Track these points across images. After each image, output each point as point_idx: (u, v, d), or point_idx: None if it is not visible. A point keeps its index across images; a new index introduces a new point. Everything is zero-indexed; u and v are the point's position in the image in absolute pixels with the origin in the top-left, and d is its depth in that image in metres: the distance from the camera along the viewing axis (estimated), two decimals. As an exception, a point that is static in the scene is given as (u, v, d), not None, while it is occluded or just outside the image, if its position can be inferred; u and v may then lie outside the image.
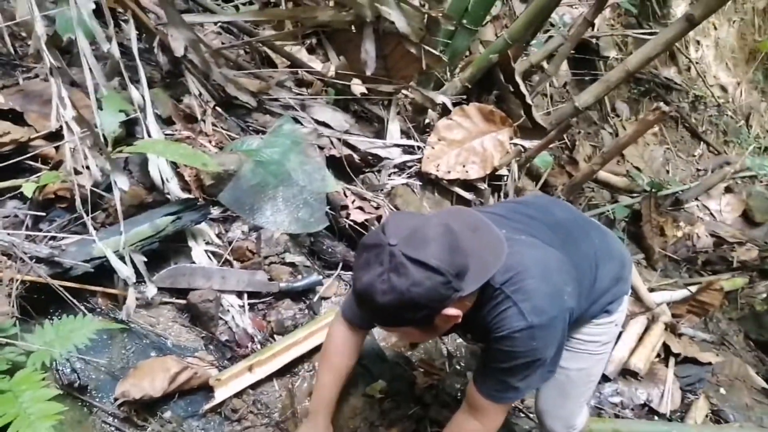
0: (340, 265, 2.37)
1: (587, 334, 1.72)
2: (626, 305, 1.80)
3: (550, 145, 3.80)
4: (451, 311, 1.30)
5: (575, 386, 1.84)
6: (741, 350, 3.65)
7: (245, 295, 2.08)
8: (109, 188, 1.92)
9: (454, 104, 2.97)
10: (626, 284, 1.76)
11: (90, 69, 2.03)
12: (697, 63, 5.29)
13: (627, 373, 2.91)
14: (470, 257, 1.31)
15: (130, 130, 2.19)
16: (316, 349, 2.02)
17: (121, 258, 1.77)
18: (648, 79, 4.95)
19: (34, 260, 1.64)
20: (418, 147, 2.88)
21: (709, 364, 3.09)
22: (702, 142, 5.18)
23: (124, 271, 1.74)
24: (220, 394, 1.82)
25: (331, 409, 1.76)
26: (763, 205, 4.58)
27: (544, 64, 3.62)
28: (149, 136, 2.14)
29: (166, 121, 2.39)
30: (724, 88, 5.53)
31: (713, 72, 5.45)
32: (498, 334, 1.40)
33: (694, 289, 3.48)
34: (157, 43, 2.48)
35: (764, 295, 3.87)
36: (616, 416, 2.75)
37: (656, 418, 2.78)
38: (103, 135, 1.95)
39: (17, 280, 1.57)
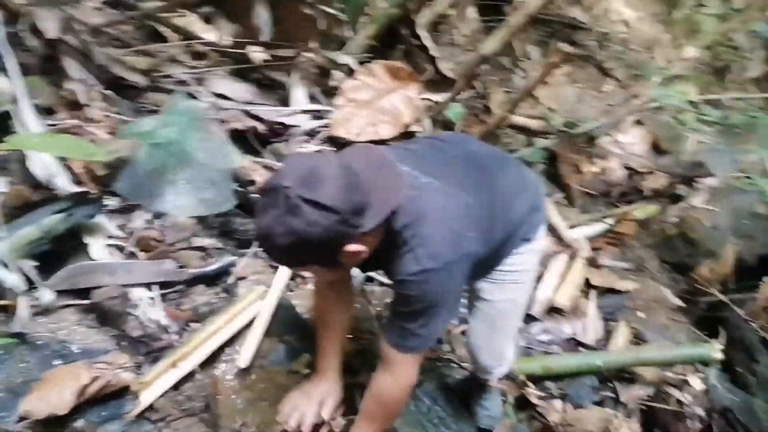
0: (255, 242, 2.31)
1: (509, 265, 1.76)
2: (544, 233, 1.85)
3: (463, 96, 3.80)
4: (353, 247, 1.32)
5: (504, 317, 1.89)
6: (657, 274, 3.83)
7: (155, 287, 2.00)
8: (-15, 191, 1.78)
9: (360, 63, 2.91)
10: (541, 212, 1.81)
11: (-56, 62, 1.85)
12: (600, 0, 5.39)
13: (553, 310, 3.01)
14: (371, 194, 1.32)
15: (4, 124, 2.02)
16: (241, 332, 1.99)
17: (6, 266, 1.65)
18: (555, 21, 4.99)
19: None
20: (327, 111, 2.81)
21: (628, 291, 3.24)
22: (610, 78, 5.32)
23: (9, 279, 1.62)
24: (146, 398, 1.75)
25: (336, 363, 1.88)
26: (670, 133, 4.77)
27: (451, 12, 3.59)
28: (26, 129, 1.98)
29: (47, 111, 2.22)
30: (627, 24, 5.66)
31: (616, 8, 5.56)
32: (397, 278, 1.44)
33: (611, 221, 3.63)
34: (27, 26, 2.28)
35: (675, 220, 4.06)
36: (546, 353, 2.85)
37: (582, 349, 2.90)
38: (-30, 134, 1.79)
39: None
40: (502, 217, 1.63)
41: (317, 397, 1.84)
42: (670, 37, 6.00)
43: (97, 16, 2.75)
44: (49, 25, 2.24)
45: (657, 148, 4.71)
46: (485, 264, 1.68)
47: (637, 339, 3.10)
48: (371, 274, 2.52)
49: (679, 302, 3.46)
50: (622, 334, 2.99)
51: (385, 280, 2.55)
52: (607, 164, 4.34)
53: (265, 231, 1.28)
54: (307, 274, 1.95)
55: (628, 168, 4.41)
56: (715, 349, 2.73)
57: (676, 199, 4.27)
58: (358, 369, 2.11)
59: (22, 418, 1.56)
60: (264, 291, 2.12)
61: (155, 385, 1.78)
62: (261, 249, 1.39)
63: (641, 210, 4.01)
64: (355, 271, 2.36)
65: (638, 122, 4.86)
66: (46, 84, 2.27)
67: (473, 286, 1.83)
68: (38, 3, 2.18)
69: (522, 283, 1.83)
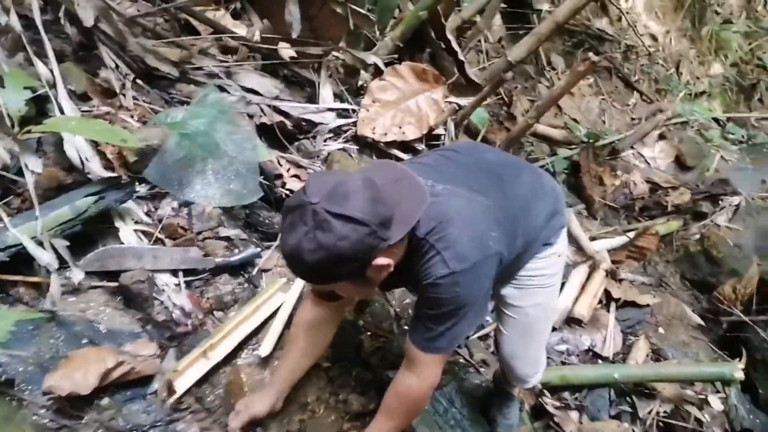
0: (279, 235, 2.32)
1: (533, 269, 1.75)
2: (565, 236, 1.84)
3: (487, 102, 3.80)
4: (381, 261, 1.32)
5: (535, 323, 1.88)
6: (678, 290, 3.80)
7: (180, 273, 2.01)
8: (20, 172, 1.81)
9: (387, 64, 2.92)
10: (562, 217, 1.81)
11: (-13, 44, 1.88)
12: (627, 13, 5.37)
13: (571, 321, 2.99)
14: (394, 207, 1.33)
15: (41, 108, 2.05)
16: (264, 323, 2.00)
17: (40, 244, 1.67)
18: (581, 31, 4.99)
19: (-61, 253, 1.54)
20: (353, 110, 2.83)
21: (648, 306, 3.21)
22: (635, 91, 5.30)
23: (44, 257, 1.64)
24: (180, 385, 1.76)
25: (286, 383, 1.79)
26: (694, 149, 4.75)
27: (477, 19, 3.59)
28: (63, 113, 2.01)
29: (81, 98, 2.25)
30: (654, 37, 5.65)
31: (643, 21, 5.54)
32: (425, 282, 1.43)
33: (632, 235, 3.60)
34: (63, 14, 2.32)
35: (697, 236, 4.03)
36: (563, 363, 2.83)
37: (600, 361, 2.87)
38: (9, 115, 1.82)
39: None
40: (522, 223, 1.62)
41: (248, 413, 1.73)
42: (697, 52, 5.97)
43: (132, 7, 2.79)
44: (86, 13, 2.27)
45: (681, 164, 4.68)
46: (509, 268, 1.67)
47: (656, 355, 3.08)
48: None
49: (700, 320, 3.43)
50: (641, 348, 2.96)
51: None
52: (630, 178, 4.31)
53: (294, 248, 1.27)
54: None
55: (650, 182, 4.38)
56: (736, 369, 2.69)
57: (699, 216, 4.24)
58: (375, 366, 2.12)
59: (45, 393, 1.58)
60: (286, 283, 2.13)
61: (187, 374, 1.78)
62: (288, 268, 1.37)
63: (664, 225, 3.98)
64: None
65: (662, 137, 4.83)
66: (81, 71, 2.30)
67: (499, 293, 1.82)
68: (77, -8, 2.22)
69: (548, 286, 1.82)
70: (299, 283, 2.12)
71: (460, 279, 1.41)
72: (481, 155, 1.75)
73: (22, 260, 1.70)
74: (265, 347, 1.90)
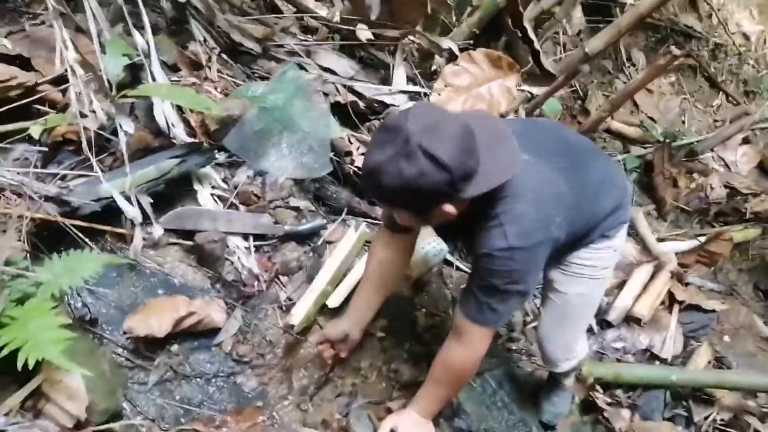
0: (345, 210, 2.41)
1: (586, 259, 1.75)
2: (625, 232, 1.82)
3: (562, 94, 3.75)
4: (447, 208, 1.35)
5: (575, 310, 1.88)
6: (749, 300, 3.64)
7: (251, 238, 2.13)
8: (115, 132, 1.97)
9: (461, 50, 2.93)
10: (626, 212, 1.79)
11: (93, 14, 2.05)
12: (718, 10, 5.11)
13: (630, 319, 2.93)
14: (482, 163, 1.34)
15: (136, 76, 2.21)
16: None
17: (128, 198, 1.82)
18: (666, 26, 4.80)
19: (43, 199, 1.70)
20: (425, 94, 2.86)
21: (714, 311, 3.10)
22: (721, 92, 5.05)
23: (131, 210, 1.79)
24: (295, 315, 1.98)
25: (361, 314, 1.88)
26: (781, 155, 4.49)
27: (557, 9, 3.54)
28: (154, 81, 2.16)
29: (171, 68, 2.41)
30: (746, 36, 5.34)
31: (736, 19, 5.26)
32: (481, 251, 1.45)
33: (703, 239, 3.47)
34: (160, -11, 2.48)
35: (776, 246, 3.83)
36: (618, 361, 2.79)
37: (657, 363, 2.81)
38: (108, 79, 1.98)
39: (27, 218, 1.63)
40: (587, 208, 1.62)
41: (333, 334, 1.88)
42: (793, 55, 5.61)
43: (222, -14, 2.94)
44: (180, -11, 2.43)
45: (764, 170, 4.44)
46: (560, 251, 1.66)
47: (719, 362, 2.97)
48: (449, 257, 2.56)
49: (771, 332, 3.27)
50: (703, 354, 2.87)
51: (462, 265, 2.58)
52: (707, 181, 4.13)
53: (376, 166, 1.29)
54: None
55: (729, 187, 4.18)
56: (805, 383, 2.57)
57: (780, 225, 4.02)
58: (428, 342, 2.17)
59: (124, 333, 1.73)
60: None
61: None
62: (362, 178, 1.40)
63: (740, 232, 3.80)
64: (434, 251, 2.41)
65: (746, 141, 4.59)
66: (173, 43, 2.45)
67: (547, 275, 1.83)
68: (174, -32, 2.37)
69: (597, 278, 1.81)
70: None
71: (516, 255, 1.42)
72: (564, 134, 1.76)
73: (112, 213, 1.86)
74: (335, 299, 2.01)
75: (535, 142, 1.58)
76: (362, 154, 2.53)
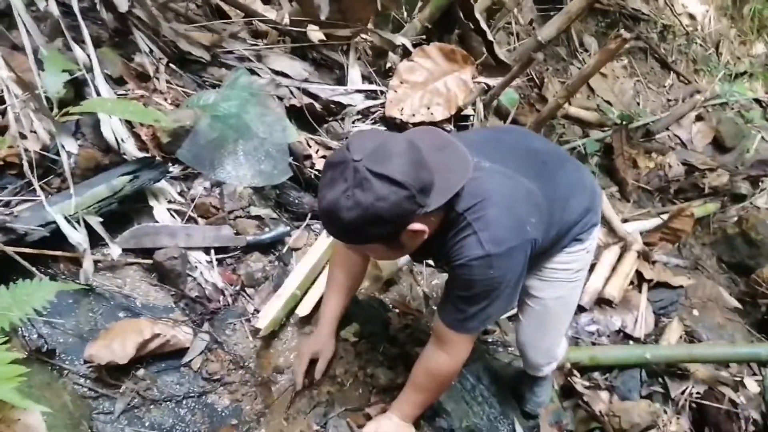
0: (308, 215, 2.36)
1: (560, 263, 1.74)
2: (597, 233, 1.81)
3: (518, 84, 3.77)
4: (416, 226, 1.30)
5: (554, 315, 1.87)
6: (714, 273, 3.72)
7: (212, 251, 2.07)
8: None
9: (415, 45, 2.92)
10: (596, 215, 1.78)
11: (27, 30, 1.96)
12: (664, -9, 5.23)
13: (602, 302, 2.96)
14: (435, 173, 1.30)
15: (79, 91, 2.12)
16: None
17: (78, 221, 1.74)
18: (615, 11, 4.88)
19: (-15, 228, 1.61)
20: (381, 92, 2.84)
21: (681, 287, 3.15)
22: (672, 72, 5.16)
23: (74, 235, 1.71)
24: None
25: (334, 320, 1.88)
26: (733, 130, 4.61)
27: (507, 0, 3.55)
28: (99, 96, 2.07)
29: (117, 81, 2.32)
30: (692, 17, 5.48)
31: (681, 0, 5.38)
32: (457, 262, 1.41)
33: (666, 216, 3.53)
34: (99, 0, 2.38)
35: (736, 219, 3.92)
36: (593, 344, 2.81)
37: (631, 342, 2.84)
38: (48, 97, 1.89)
39: (-31, 249, 1.54)
40: (558, 214, 1.60)
41: (308, 354, 1.86)
42: (738, 32, 5.77)
43: (165, -6, 2.85)
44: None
45: (719, 145, 4.56)
46: (537, 258, 1.63)
47: (690, 336, 3.02)
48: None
49: (737, 303, 3.35)
50: (674, 329, 2.92)
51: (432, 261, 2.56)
52: (665, 160, 4.22)
53: (332, 204, 1.25)
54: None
55: (687, 164, 4.28)
56: (773, 350, 2.63)
57: (738, 197, 4.13)
58: (403, 343, 2.13)
59: (86, 362, 1.65)
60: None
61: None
62: (323, 224, 1.35)
63: (700, 207, 3.88)
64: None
65: (699, 118, 4.70)
66: (116, 55, 2.36)
67: (523, 282, 1.81)
68: (111, -22, 2.28)
69: (573, 281, 1.80)
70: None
71: (494, 262, 1.38)
72: (529, 141, 1.72)
73: (62, 237, 1.77)
74: (305, 308, 1.99)
75: (501, 151, 1.56)
76: (322, 157, 2.49)
